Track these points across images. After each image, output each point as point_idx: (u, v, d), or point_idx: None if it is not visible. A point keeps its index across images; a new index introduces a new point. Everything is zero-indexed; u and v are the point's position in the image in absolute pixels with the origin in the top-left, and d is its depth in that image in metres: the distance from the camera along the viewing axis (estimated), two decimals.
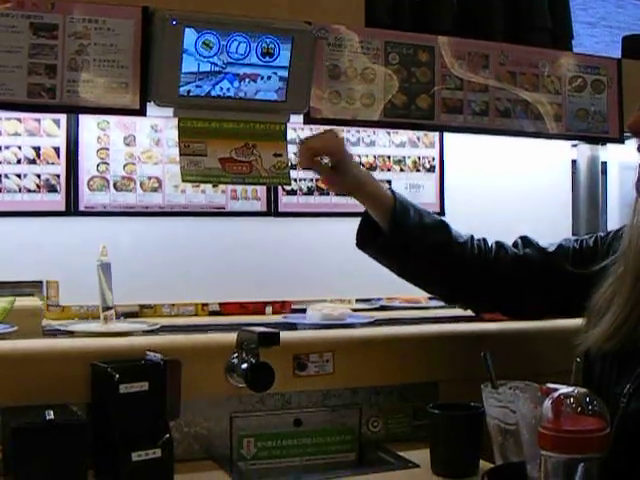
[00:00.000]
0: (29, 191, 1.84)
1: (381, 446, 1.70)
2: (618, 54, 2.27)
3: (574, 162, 2.29)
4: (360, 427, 1.70)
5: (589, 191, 2.26)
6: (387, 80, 1.86)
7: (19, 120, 1.83)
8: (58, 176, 1.86)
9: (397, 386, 1.73)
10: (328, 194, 2.10)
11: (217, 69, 1.66)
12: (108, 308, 1.72)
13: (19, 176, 1.84)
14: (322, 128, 2.02)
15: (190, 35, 1.61)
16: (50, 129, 1.85)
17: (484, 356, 1.51)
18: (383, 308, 2.19)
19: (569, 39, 2.23)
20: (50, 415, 1.33)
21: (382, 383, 1.72)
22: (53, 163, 1.86)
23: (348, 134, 2.10)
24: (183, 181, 1.73)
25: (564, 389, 1.10)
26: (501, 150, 2.20)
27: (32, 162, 1.84)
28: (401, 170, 2.17)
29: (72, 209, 1.87)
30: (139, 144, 1.94)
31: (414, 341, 1.75)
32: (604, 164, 2.32)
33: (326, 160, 1.60)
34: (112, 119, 1.89)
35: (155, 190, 1.95)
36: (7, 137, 1.83)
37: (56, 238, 1.85)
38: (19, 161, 1.84)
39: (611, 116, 2.10)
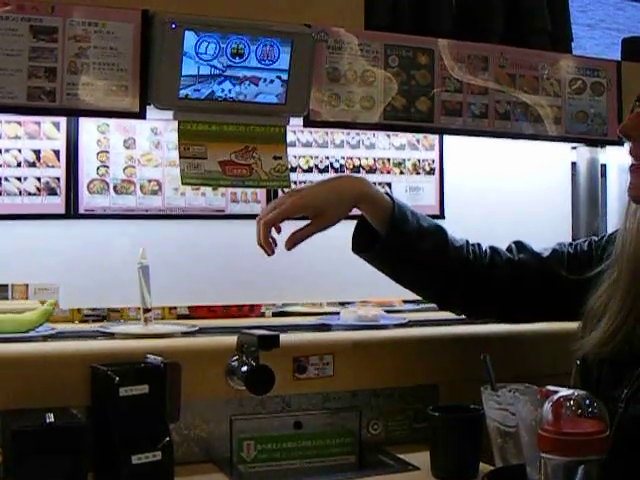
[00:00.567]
0: (29, 194, 1.84)
1: (381, 449, 1.70)
2: (618, 56, 2.28)
3: (574, 164, 2.29)
4: (360, 430, 1.70)
5: (589, 193, 2.26)
6: (387, 83, 1.86)
7: (19, 123, 1.83)
8: (58, 179, 1.86)
9: (397, 388, 1.73)
10: None
11: (217, 72, 1.66)
12: (147, 310, 1.75)
13: (19, 179, 1.84)
14: (322, 131, 2.04)
15: (190, 38, 1.61)
16: (50, 132, 1.86)
17: (484, 358, 1.51)
18: None
19: (569, 41, 2.23)
20: (50, 418, 1.33)
21: (382, 385, 1.72)
22: (53, 166, 1.86)
23: (348, 137, 2.10)
24: (183, 184, 1.73)
25: (564, 391, 1.11)
26: (501, 153, 2.20)
27: (32, 165, 1.84)
28: (401, 173, 2.17)
29: (72, 212, 1.87)
30: (139, 147, 1.94)
31: (414, 343, 1.75)
32: (604, 166, 2.31)
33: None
34: (112, 122, 1.89)
35: (155, 193, 1.95)
36: (7, 140, 1.83)
37: (56, 241, 1.85)
38: (19, 164, 1.84)
39: (611, 118, 2.10)
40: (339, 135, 2.10)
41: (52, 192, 1.86)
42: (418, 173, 2.19)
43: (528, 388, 1.43)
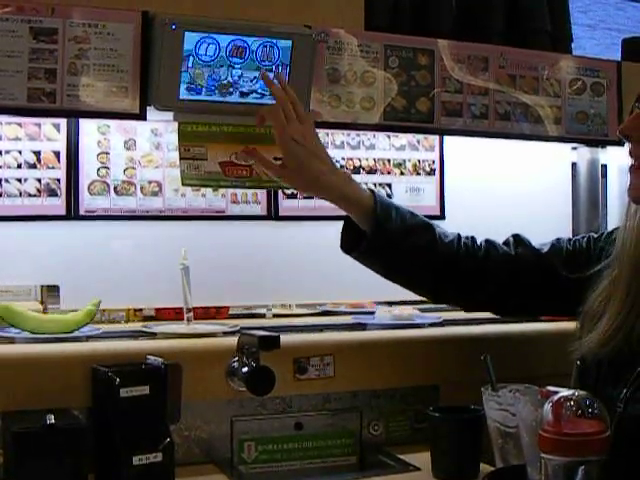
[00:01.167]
0: (30, 195, 1.84)
1: (382, 449, 1.70)
2: (618, 57, 2.28)
3: (574, 165, 2.29)
4: (361, 430, 1.70)
5: (589, 194, 2.26)
6: (387, 83, 1.86)
7: (19, 125, 1.83)
8: (58, 180, 1.86)
9: (398, 389, 1.73)
10: None
11: (217, 73, 1.66)
12: (189, 310, 1.77)
13: (19, 180, 1.84)
14: (322, 131, 2.04)
15: (190, 39, 1.61)
16: (50, 133, 1.86)
17: (484, 359, 1.51)
18: (326, 313, 2.15)
19: (569, 42, 2.23)
20: (51, 419, 1.33)
21: (383, 386, 1.72)
22: (53, 167, 1.86)
23: (348, 137, 2.10)
24: (183, 185, 1.73)
25: (564, 392, 1.11)
26: (501, 153, 2.20)
27: (32, 166, 1.84)
28: (401, 173, 2.17)
29: (73, 213, 1.87)
30: (139, 148, 1.94)
31: (415, 344, 1.75)
32: (604, 167, 2.32)
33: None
34: (112, 123, 1.89)
35: (155, 194, 1.95)
36: (7, 142, 1.83)
37: (56, 242, 1.85)
38: (19, 165, 1.84)
39: (611, 119, 2.10)
40: (339, 136, 2.09)
41: (52, 193, 1.86)
42: (418, 174, 2.19)
43: (528, 388, 1.43)
